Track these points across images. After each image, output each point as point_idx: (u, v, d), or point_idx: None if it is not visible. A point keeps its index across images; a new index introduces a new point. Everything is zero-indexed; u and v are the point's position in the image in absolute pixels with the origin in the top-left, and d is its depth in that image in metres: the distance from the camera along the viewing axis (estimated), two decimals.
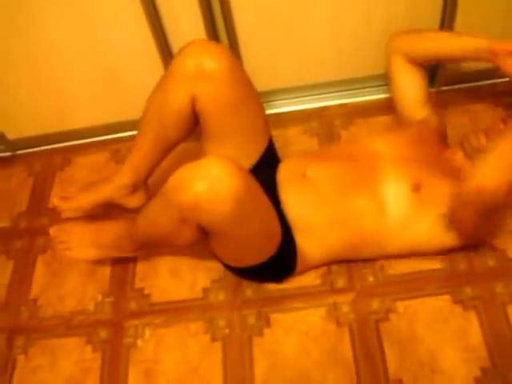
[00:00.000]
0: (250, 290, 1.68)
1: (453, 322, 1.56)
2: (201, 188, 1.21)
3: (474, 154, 1.56)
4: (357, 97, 2.07)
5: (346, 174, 1.56)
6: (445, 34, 1.71)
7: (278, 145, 1.76)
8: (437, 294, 1.60)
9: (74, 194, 1.81)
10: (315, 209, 1.54)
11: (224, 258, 1.59)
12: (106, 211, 1.82)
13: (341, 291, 1.64)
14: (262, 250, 1.48)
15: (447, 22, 1.81)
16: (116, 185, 1.69)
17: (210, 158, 1.27)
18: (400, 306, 1.60)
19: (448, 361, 1.50)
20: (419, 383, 1.48)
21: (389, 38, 1.74)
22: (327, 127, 2.00)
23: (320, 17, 1.82)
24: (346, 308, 1.61)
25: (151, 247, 1.74)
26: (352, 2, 1.78)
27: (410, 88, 1.73)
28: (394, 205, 1.50)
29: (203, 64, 1.44)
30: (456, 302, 1.58)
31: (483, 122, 1.92)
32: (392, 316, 1.58)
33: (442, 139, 1.72)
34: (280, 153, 1.76)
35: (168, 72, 1.51)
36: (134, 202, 1.74)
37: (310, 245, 1.55)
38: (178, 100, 1.48)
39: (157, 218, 1.43)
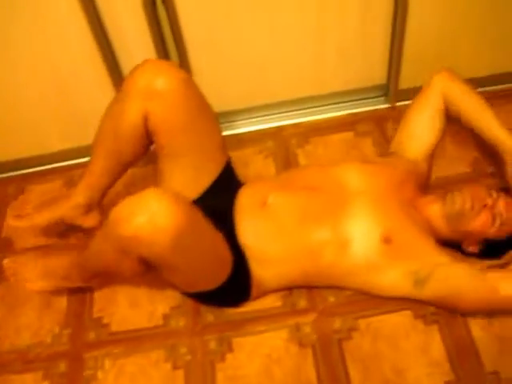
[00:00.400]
0: (210, 314, 1.65)
1: (415, 338, 1.55)
2: (140, 221, 1.21)
3: (453, 216, 1.55)
4: (313, 115, 2.07)
5: (309, 205, 1.54)
6: (490, 112, 1.62)
7: (235, 166, 1.75)
8: (398, 310, 1.60)
9: (29, 212, 1.77)
10: (273, 239, 1.53)
11: (176, 284, 1.57)
12: (61, 238, 1.79)
13: (302, 312, 1.62)
14: (212, 278, 1.47)
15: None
16: (70, 203, 1.68)
17: (149, 191, 1.26)
18: (362, 323, 1.59)
19: (412, 376, 1.49)
20: None
21: (442, 71, 1.68)
22: (283, 147, 2.00)
23: (273, 36, 1.82)
24: (307, 329, 1.59)
25: (102, 277, 1.70)
26: (303, 20, 1.79)
27: (431, 129, 1.68)
28: (359, 249, 1.49)
29: (154, 82, 1.44)
30: (417, 317, 1.58)
31: None
32: (354, 334, 1.57)
33: (422, 186, 1.70)
34: (239, 174, 1.75)
35: (121, 91, 1.51)
36: (88, 222, 1.72)
37: (266, 273, 1.54)
38: (131, 117, 1.47)
39: (101, 249, 1.42)
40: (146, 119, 1.47)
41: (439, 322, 1.56)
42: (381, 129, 2.03)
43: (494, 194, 1.55)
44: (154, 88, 1.44)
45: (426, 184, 1.73)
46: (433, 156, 1.72)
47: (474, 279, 1.46)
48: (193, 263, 1.37)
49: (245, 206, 1.56)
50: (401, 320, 1.58)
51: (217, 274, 1.46)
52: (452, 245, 1.63)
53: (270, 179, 1.73)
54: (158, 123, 1.48)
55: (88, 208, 1.67)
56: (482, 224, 1.52)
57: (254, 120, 2.05)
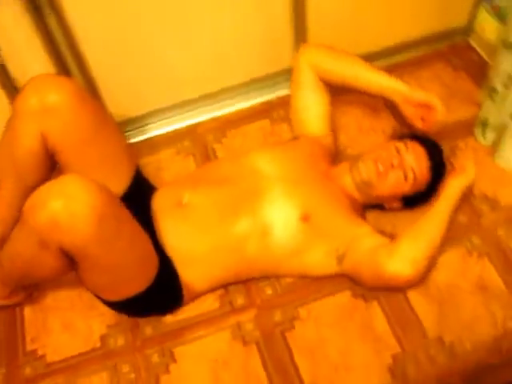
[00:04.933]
0: (149, 327, 1.58)
1: (357, 317, 1.54)
2: (56, 205, 1.14)
3: (362, 185, 1.56)
4: (227, 108, 2.02)
5: (226, 198, 1.50)
6: (364, 66, 1.65)
7: (152, 172, 1.70)
8: (337, 292, 1.58)
9: None
10: (194, 238, 1.48)
11: (98, 290, 1.47)
12: None
13: (241, 310, 1.58)
14: (137, 280, 1.40)
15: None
16: None
17: (67, 175, 1.21)
18: (302, 311, 1.56)
19: (359, 356, 1.49)
20: None
21: (303, 46, 1.71)
22: (201, 144, 1.94)
23: (172, 35, 1.77)
24: (249, 326, 1.56)
25: (25, 283, 1.59)
26: (199, 14, 1.74)
27: (315, 102, 1.69)
28: (280, 233, 1.47)
29: (46, 98, 1.36)
30: (356, 296, 1.57)
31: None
32: (297, 323, 1.55)
33: (332, 158, 1.70)
34: (156, 180, 1.69)
35: (13, 113, 1.42)
36: None
37: (194, 274, 1.49)
38: (27, 141, 1.39)
39: (17, 246, 1.33)
40: (43, 141, 1.40)
41: (379, 298, 1.56)
42: None
43: (402, 149, 1.55)
44: (47, 105, 1.36)
45: (335, 156, 1.74)
46: (332, 127, 1.74)
47: (370, 255, 1.45)
48: (116, 258, 1.30)
49: (161, 208, 1.51)
50: (341, 301, 1.57)
51: (142, 274, 1.40)
52: (376, 206, 1.65)
53: (184, 178, 1.67)
54: (58, 142, 1.41)
55: (2, 241, 1.55)
56: (393, 185, 1.54)
57: (166, 121, 1.99)
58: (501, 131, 1.71)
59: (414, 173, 1.54)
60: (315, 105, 1.69)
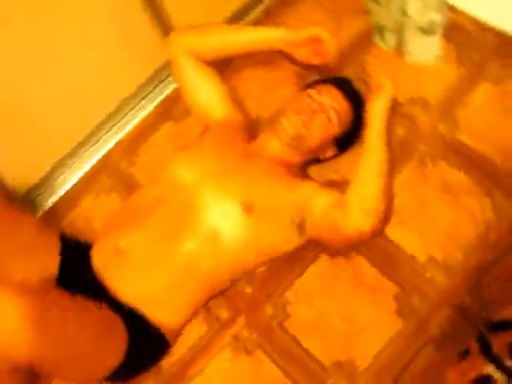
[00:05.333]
0: (150, 380, 1.46)
1: (344, 276, 1.47)
2: None
3: (292, 142, 1.46)
4: (125, 126, 1.85)
5: (160, 226, 1.37)
6: (236, 29, 1.61)
7: (81, 226, 1.60)
8: (313, 261, 1.50)
9: None
10: (146, 279, 1.36)
11: (79, 379, 1.35)
12: None
13: (230, 321, 1.48)
14: (110, 351, 1.28)
15: None
16: None
17: None
18: (290, 295, 1.48)
19: (363, 314, 1.42)
20: (353, 352, 1.39)
21: (171, 35, 1.59)
22: (116, 175, 1.78)
23: (41, 82, 1.57)
24: (245, 333, 1.46)
25: None
26: (59, 56, 1.57)
27: (205, 87, 1.58)
28: (229, 232, 1.36)
29: None
30: (333, 255, 1.49)
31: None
32: (290, 309, 1.46)
33: (250, 133, 1.58)
34: (89, 232, 1.56)
35: None
36: None
37: (166, 313, 1.38)
38: None
39: None
40: None
41: (358, 249, 1.47)
42: None
43: (316, 94, 1.48)
44: None
45: (252, 128, 1.63)
46: (236, 101, 1.64)
47: (326, 219, 1.37)
48: (74, 347, 1.18)
49: (102, 264, 1.38)
50: (321, 268, 1.49)
51: (112, 344, 1.28)
52: (312, 162, 1.57)
53: (113, 222, 1.50)
54: None
55: None
56: (321, 130, 1.47)
57: (73, 168, 1.81)
58: (399, 30, 1.62)
59: (336, 111, 1.47)
60: (207, 89, 1.57)
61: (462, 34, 1.71)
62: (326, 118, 1.46)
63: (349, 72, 1.71)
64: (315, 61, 1.55)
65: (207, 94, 1.57)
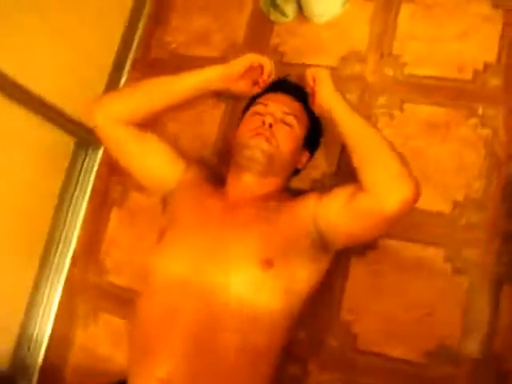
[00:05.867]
0: None
1: (383, 267, 1.36)
2: None
3: (266, 164, 1.30)
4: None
5: (191, 336, 1.17)
6: (168, 78, 1.34)
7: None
8: (347, 275, 1.38)
9: None
10: None
11: None
12: None
13: (304, 373, 1.34)
14: None
15: None
16: None
17: None
18: (345, 315, 1.36)
19: (425, 292, 1.32)
20: (439, 333, 1.29)
21: (91, 106, 1.33)
22: (93, 291, 1.57)
23: None
24: (326, 376, 1.34)
25: None
26: None
27: (151, 154, 1.36)
28: (261, 295, 1.19)
29: None
30: (364, 250, 1.36)
31: None
32: (354, 328, 1.35)
33: (215, 183, 1.39)
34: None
35: None
36: None
37: None
38: None
39: None
40: None
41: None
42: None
43: (262, 108, 1.34)
44: None
45: (212, 174, 1.44)
46: (185, 155, 1.41)
47: (353, 212, 1.20)
48: None
49: None
50: (359, 276, 1.38)
51: None
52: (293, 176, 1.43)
53: (135, 354, 1.26)
54: None
55: None
56: (285, 137, 1.32)
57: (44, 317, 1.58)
58: None
59: (291, 114, 1.33)
60: (152, 155, 1.36)
61: None
62: (285, 125, 1.32)
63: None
64: (256, 90, 1.39)
65: (155, 161, 1.37)
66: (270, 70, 1.36)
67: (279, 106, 1.33)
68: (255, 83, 1.39)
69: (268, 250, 1.21)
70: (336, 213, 1.21)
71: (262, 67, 1.36)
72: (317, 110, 1.34)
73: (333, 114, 1.28)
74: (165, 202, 1.40)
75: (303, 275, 1.25)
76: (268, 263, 1.19)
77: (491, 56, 1.42)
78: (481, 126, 1.38)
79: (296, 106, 1.35)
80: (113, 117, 1.32)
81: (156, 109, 1.34)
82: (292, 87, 1.40)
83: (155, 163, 1.37)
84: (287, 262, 1.22)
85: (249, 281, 1.19)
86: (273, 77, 1.38)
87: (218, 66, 1.33)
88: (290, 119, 1.33)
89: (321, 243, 1.24)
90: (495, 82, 1.40)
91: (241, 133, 1.34)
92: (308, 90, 1.36)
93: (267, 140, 1.29)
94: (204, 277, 1.20)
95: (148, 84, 1.36)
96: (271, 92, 1.38)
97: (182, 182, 1.36)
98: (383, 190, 1.14)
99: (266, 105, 1.34)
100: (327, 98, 1.30)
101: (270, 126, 1.30)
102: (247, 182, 1.32)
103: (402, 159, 1.18)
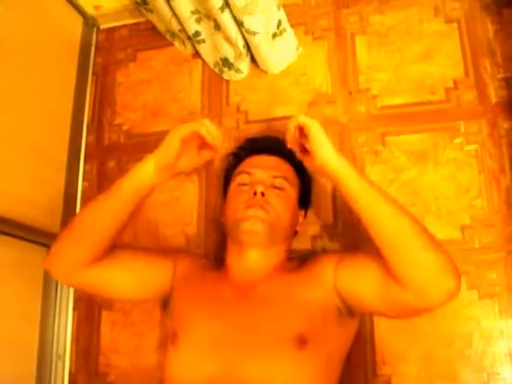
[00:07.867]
0: None
1: None
2: None
3: (269, 233, 1.19)
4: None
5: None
6: (99, 203, 1.14)
7: None
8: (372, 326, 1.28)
9: None
10: None
11: None
12: None
13: None
14: None
15: None
16: None
17: None
18: (381, 368, 1.27)
19: (455, 326, 1.25)
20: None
21: (45, 267, 1.17)
22: None
23: None
24: None
25: None
26: None
27: (136, 272, 1.21)
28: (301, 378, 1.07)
29: None
30: None
31: None
32: (393, 381, 1.25)
33: (213, 270, 1.28)
34: None
35: None
36: None
37: None
38: None
39: None
40: None
41: None
42: None
43: (246, 177, 1.25)
44: None
45: (215, 263, 1.34)
46: (163, 257, 1.28)
47: (385, 301, 1.08)
48: None
49: None
50: (382, 325, 1.28)
51: None
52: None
53: None
54: None
55: None
56: (283, 204, 1.22)
57: None
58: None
59: (280, 177, 1.24)
60: (130, 274, 1.22)
61: (297, 10, 1.53)
62: (275, 189, 1.23)
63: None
64: (202, 162, 1.19)
65: (141, 276, 1.23)
66: (209, 137, 1.10)
67: (266, 171, 1.23)
68: (201, 147, 1.15)
69: (297, 325, 1.10)
70: (367, 296, 1.10)
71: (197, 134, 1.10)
72: (310, 168, 1.19)
73: (342, 187, 1.10)
74: (164, 304, 1.27)
75: (337, 343, 1.16)
76: (302, 341, 1.08)
77: (458, 71, 1.39)
78: (467, 143, 1.34)
79: (284, 167, 1.27)
80: (70, 269, 1.15)
81: (109, 234, 1.14)
82: (274, 146, 1.29)
83: (142, 278, 1.23)
84: (319, 334, 1.12)
85: (287, 365, 1.08)
86: (220, 139, 1.12)
87: (147, 160, 1.13)
88: (281, 182, 1.23)
89: (347, 310, 1.15)
90: (469, 96, 1.37)
91: (232, 209, 1.23)
92: (291, 143, 1.15)
93: (263, 208, 1.18)
94: (237, 371, 1.07)
95: (84, 216, 1.17)
96: (250, 155, 1.28)
97: (175, 280, 1.24)
98: (424, 288, 1.01)
99: (250, 173, 1.23)
100: (326, 158, 1.10)
101: (263, 194, 1.19)
102: (252, 259, 1.22)
103: (434, 242, 1.04)
